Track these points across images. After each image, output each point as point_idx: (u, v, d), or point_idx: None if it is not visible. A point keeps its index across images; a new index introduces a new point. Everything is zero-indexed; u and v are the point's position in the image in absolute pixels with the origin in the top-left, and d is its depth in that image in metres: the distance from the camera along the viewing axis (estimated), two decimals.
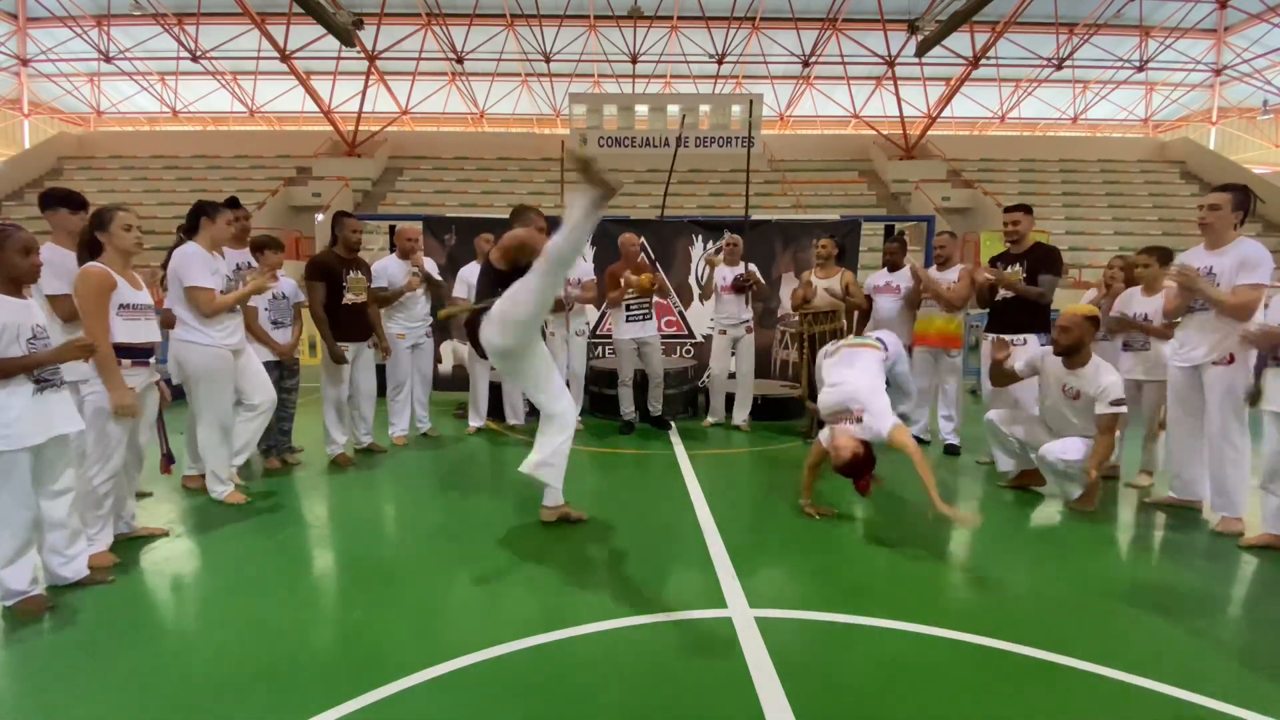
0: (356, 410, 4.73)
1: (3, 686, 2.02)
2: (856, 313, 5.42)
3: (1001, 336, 4.34)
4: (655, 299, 5.63)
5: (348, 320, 4.45)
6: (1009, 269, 4.46)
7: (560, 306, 5.47)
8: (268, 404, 3.84)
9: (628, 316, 5.53)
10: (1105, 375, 3.61)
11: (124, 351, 2.87)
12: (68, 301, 2.96)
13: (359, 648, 2.21)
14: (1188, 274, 3.35)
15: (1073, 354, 3.71)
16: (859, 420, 3.37)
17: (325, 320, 4.33)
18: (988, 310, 4.70)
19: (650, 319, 5.55)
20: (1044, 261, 4.37)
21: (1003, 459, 4.25)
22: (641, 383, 5.73)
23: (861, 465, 3.24)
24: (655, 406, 5.72)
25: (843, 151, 23.10)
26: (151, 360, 3.06)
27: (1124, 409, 3.58)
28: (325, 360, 4.43)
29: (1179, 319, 3.62)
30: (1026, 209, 4.52)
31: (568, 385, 5.70)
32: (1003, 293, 4.49)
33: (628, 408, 5.68)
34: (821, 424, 5.23)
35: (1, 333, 2.30)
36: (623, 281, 5.39)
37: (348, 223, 4.49)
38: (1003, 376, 4.13)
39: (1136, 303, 4.12)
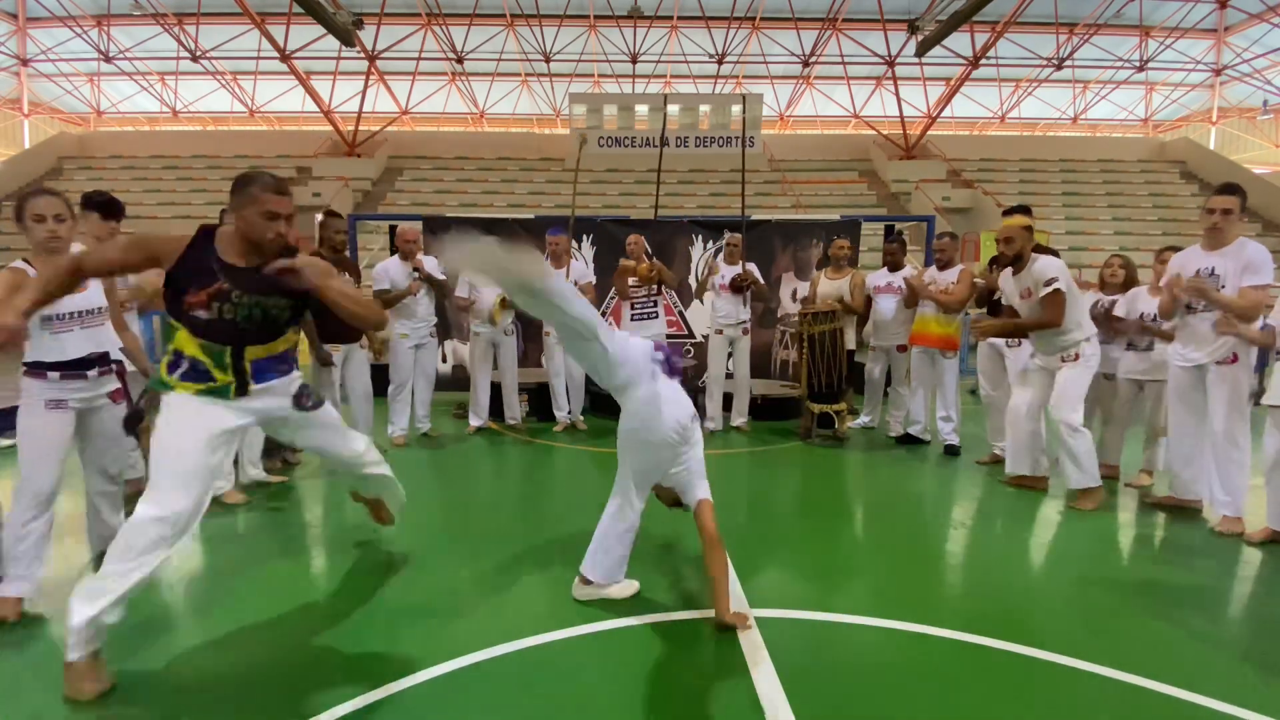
0: (354, 411, 4.72)
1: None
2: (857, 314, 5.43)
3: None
4: (663, 297, 5.62)
5: (336, 322, 4.43)
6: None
7: None
8: None
9: (633, 315, 5.53)
10: (1041, 263, 3.75)
11: (50, 366, 2.45)
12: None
13: (358, 648, 2.21)
14: (1198, 285, 3.37)
15: (1018, 262, 3.86)
16: None
17: (313, 323, 4.31)
18: (985, 311, 4.70)
19: (657, 317, 5.54)
20: None
21: (1015, 457, 4.11)
22: None
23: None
24: None
25: (843, 151, 23.09)
26: (91, 374, 2.55)
27: (1061, 285, 3.65)
28: (312, 362, 4.41)
29: (1176, 320, 3.63)
30: (1026, 210, 4.50)
31: (567, 387, 5.74)
32: (999, 294, 4.49)
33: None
34: (821, 422, 5.27)
35: None
36: (621, 269, 5.44)
37: (331, 223, 4.49)
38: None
39: (1143, 301, 4.12)
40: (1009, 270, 3.93)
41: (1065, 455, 3.77)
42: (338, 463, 2.57)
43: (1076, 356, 3.75)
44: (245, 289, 2.00)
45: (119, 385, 2.70)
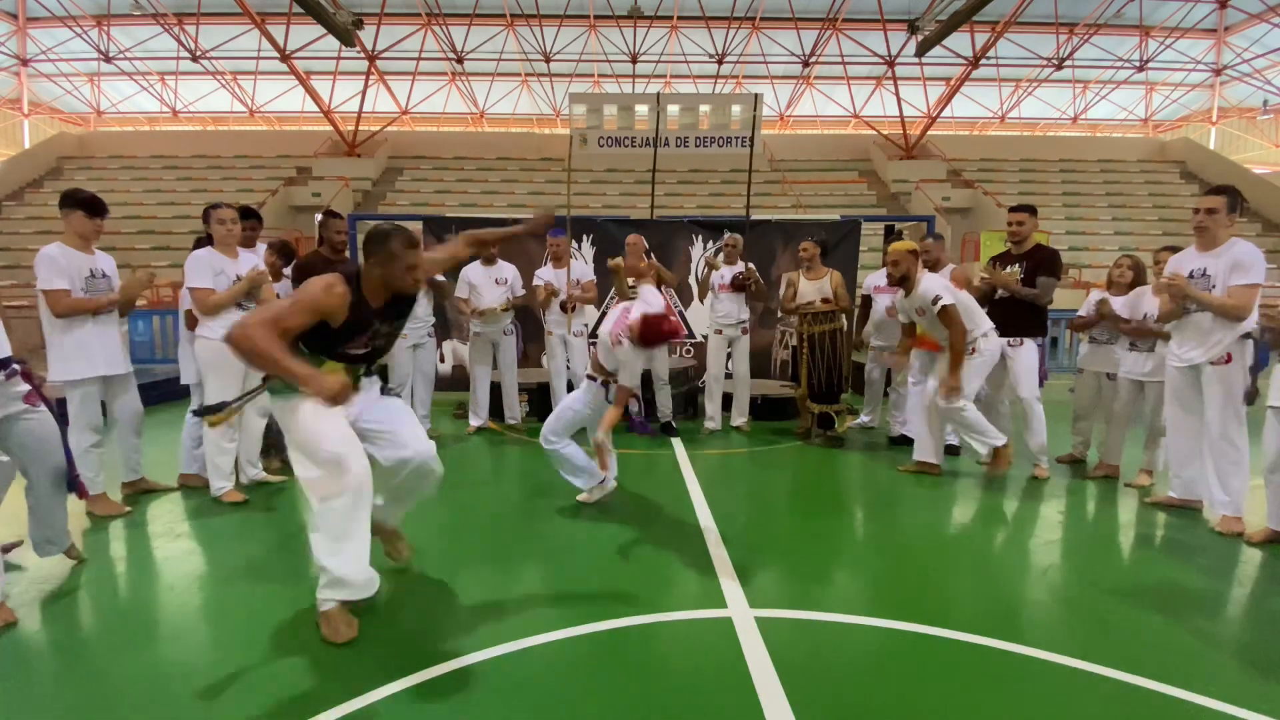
0: None
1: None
2: (855, 312, 5.43)
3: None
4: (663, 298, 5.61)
5: None
6: (1008, 269, 4.46)
7: (563, 307, 5.48)
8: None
9: None
10: (923, 285, 4.06)
11: None
12: (60, 297, 3.23)
13: (357, 649, 2.21)
14: (1178, 284, 3.38)
15: (905, 283, 4.15)
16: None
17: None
18: (986, 312, 4.69)
19: None
20: (1043, 264, 4.36)
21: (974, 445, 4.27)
22: (646, 382, 5.73)
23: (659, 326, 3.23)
24: (664, 412, 5.66)
25: (843, 151, 23.09)
26: None
27: (947, 300, 3.93)
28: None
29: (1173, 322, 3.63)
30: (1032, 209, 4.50)
31: (569, 387, 5.72)
32: (1001, 293, 4.50)
33: (635, 406, 5.68)
34: (821, 422, 5.27)
35: None
36: (614, 270, 5.41)
37: (332, 223, 4.51)
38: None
39: (1146, 301, 4.13)
40: (900, 292, 4.24)
41: (963, 431, 4.19)
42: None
43: (973, 351, 4.09)
44: (385, 321, 2.42)
45: (29, 387, 2.47)
